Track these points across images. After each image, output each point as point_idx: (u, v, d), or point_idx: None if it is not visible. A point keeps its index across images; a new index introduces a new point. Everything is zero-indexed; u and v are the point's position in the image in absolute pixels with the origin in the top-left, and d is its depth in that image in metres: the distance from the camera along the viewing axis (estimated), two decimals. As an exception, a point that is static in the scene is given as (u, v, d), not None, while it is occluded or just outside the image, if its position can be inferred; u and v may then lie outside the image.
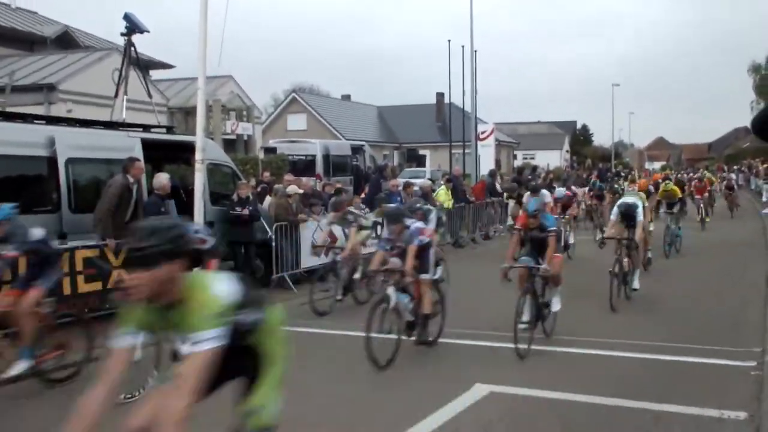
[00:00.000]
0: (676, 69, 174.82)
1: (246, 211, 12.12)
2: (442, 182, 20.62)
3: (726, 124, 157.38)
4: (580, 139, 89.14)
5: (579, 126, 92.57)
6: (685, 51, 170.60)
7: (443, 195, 18.82)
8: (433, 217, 12.41)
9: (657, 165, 74.99)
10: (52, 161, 9.77)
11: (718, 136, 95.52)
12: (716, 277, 13.83)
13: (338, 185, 17.81)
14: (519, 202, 16.72)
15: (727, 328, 9.51)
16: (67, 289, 8.81)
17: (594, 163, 60.84)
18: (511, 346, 8.20)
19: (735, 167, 56.23)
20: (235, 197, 12.30)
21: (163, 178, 10.85)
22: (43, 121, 10.66)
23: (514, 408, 6.55)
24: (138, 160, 10.43)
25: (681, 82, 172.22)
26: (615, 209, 12.01)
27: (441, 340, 8.87)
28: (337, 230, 12.41)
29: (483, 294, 11.54)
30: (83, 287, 9.02)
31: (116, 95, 18.26)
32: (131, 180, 10.00)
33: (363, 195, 17.91)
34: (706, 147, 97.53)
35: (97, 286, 9.19)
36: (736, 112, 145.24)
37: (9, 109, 12.83)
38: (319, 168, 24.46)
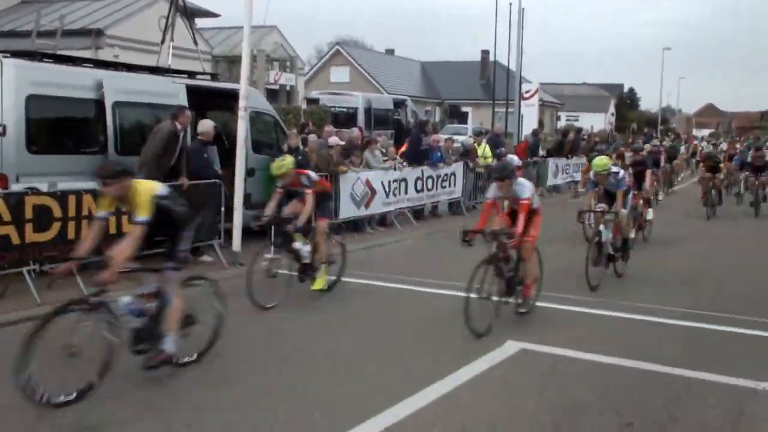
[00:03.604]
0: (730, 33, 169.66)
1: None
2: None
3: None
4: (626, 102, 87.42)
5: (626, 89, 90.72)
6: (740, 14, 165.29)
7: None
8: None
9: (705, 132, 73.33)
10: (99, 104, 9.90)
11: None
12: (758, 246, 13.62)
13: (380, 137, 17.81)
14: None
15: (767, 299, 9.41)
16: (111, 228, 9.00)
17: (639, 127, 59.71)
18: (545, 305, 8.26)
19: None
20: (285, 147, 12.37)
21: (208, 125, 10.95)
22: (92, 65, 10.77)
23: (545, 367, 6.59)
24: (187, 108, 10.53)
25: (735, 47, 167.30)
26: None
27: (474, 296, 8.92)
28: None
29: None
30: (127, 227, 9.18)
31: (162, 42, 18.37)
32: (179, 127, 10.13)
33: (403, 149, 17.88)
34: (758, 115, 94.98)
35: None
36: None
37: (59, 53, 12.98)
38: (361, 121, 24.42)
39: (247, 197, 11.04)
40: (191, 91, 11.27)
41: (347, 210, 13.39)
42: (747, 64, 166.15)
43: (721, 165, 18.60)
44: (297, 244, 8.77)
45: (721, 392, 6.03)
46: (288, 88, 33.26)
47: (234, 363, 6.43)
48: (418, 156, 16.40)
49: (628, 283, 10.17)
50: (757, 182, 18.29)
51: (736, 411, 5.66)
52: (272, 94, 30.27)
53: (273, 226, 9.20)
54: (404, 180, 15.16)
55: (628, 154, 17.14)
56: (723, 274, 10.98)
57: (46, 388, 5.13)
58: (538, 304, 8.43)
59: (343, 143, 14.15)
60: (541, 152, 22.60)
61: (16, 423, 5.05)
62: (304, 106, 26.68)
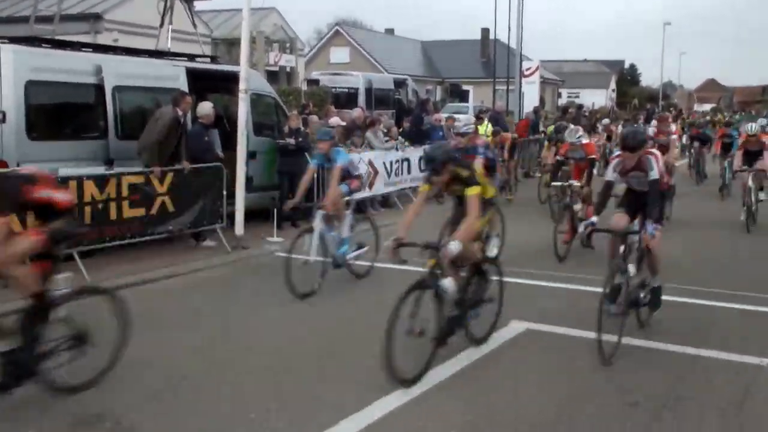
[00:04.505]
0: (733, 7, 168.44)
1: (293, 141, 12.17)
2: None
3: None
4: (627, 78, 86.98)
5: (627, 65, 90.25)
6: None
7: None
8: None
9: (707, 107, 73.01)
10: (99, 89, 9.86)
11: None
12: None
13: (383, 116, 17.78)
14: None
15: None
16: (113, 215, 9.01)
17: (641, 103, 59.50)
18: (548, 284, 8.24)
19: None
20: (285, 129, 12.36)
21: (207, 107, 10.91)
22: (91, 50, 10.72)
23: (551, 346, 6.59)
24: (187, 94, 10.49)
25: (737, 21, 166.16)
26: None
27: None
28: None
29: (520, 231, 11.53)
30: (128, 213, 9.21)
31: (161, 25, 18.29)
32: (180, 113, 10.10)
33: (401, 128, 17.85)
34: (759, 89, 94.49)
35: (141, 211, 9.37)
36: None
37: (58, 38, 12.91)
38: (362, 101, 24.35)
39: (248, 180, 11.03)
40: (191, 74, 11.23)
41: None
42: (749, 39, 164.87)
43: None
44: None
45: (726, 368, 6.04)
46: (288, 69, 33.09)
47: (240, 349, 6.44)
48: (420, 135, 16.35)
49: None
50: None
51: (742, 387, 5.67)
52: (272, 76, 30.11)
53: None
54: (407, 160, 15.13)
55: None
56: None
57: None
58: (542, 283, 8.43)
59: (344, 124, 14.11)
60: (542, 129, 22.53)
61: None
62: (304, 87, 26.58)
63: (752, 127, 13.21)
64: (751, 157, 13.01)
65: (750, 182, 12.55)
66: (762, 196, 13.02)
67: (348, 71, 29.06)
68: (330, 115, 15.28)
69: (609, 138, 22.12)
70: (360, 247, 9.11)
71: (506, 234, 10.30)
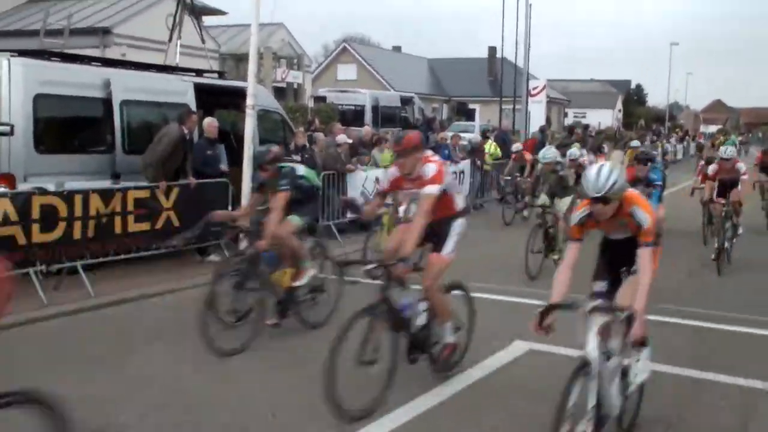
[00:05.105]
0: (740, 28, 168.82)
1: (299, 158, 12.21)
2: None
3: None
4: (633, 99, 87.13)
5: (633, 86, 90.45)
6: (749, 9, 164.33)
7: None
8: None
9: (713, 128, 73.00)
10: (107, 103, 9.92)
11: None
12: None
13: (389, 134, 17.79)
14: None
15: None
16: (118, 229, 9.02)
17: (647, 124, 59.51)
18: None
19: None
20: (292, 145, 12.40)
21: (206, 121, 10.95)
22: (100, 63, 10.79)
23: (554, 367, 6.54)
24: (194, 112, 10.54)
25: (744, 42, 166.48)
26: None
27: (481, 295, 8.89)
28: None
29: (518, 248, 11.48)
30: (133, 227, 9.23)
31: (170, 40, 18.40)
32: (186, 131, 10.14)
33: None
34: (766, 111, 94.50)
35: (146, 226, 9.38)
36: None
37: (67, 51, 13.00)
38: (368, 118, 24.41)
39: (254, 196, 11.04)
40: (199, 89, 11.29)
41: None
42: (756, 61, 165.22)
43: None
44: None
45: (730, 392, 5.99)
46: (295, 86, 33.29)
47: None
48: (425, 154, 16.35)
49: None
50: None
51: (746, 412, 5.62)
52: (279, 92, 30.27)
53: None
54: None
55: None
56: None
57: None
58: (544, 303, 8.39)
59: (351, 141, 14.15)
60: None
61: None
62: (311, 104, 26.70)
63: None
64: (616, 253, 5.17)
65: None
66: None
67: (355, 88, 29.19)
68: (336, 132, 15.31)
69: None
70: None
71: (516, 253, 10.25)
